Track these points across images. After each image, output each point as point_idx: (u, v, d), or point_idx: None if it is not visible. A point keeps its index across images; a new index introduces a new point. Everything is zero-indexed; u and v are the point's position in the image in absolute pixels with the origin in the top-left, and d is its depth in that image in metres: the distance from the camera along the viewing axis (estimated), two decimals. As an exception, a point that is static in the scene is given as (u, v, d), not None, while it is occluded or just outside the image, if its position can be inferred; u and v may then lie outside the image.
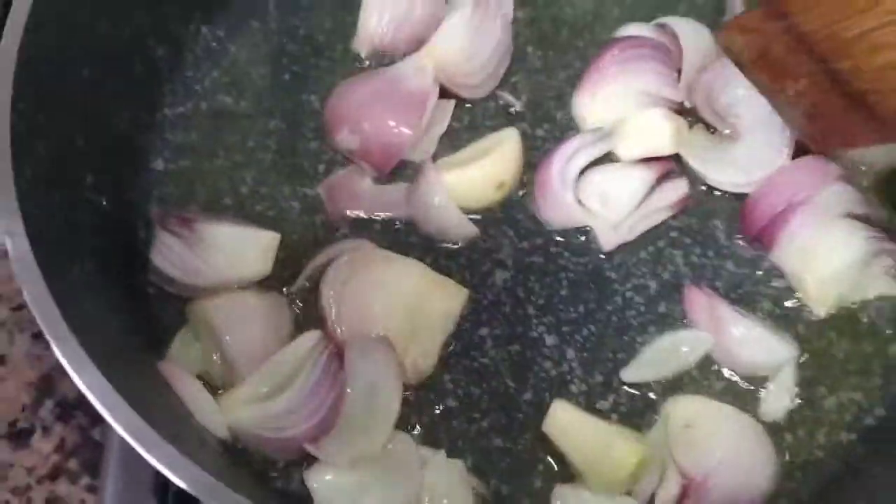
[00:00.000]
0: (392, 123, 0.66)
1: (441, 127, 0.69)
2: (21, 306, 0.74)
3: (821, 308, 0.62)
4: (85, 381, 0.47)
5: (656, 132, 0.66)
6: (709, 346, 0.60)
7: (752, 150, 0.65)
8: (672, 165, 0.66)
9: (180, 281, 0.61)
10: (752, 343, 0.59)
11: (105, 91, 0.61)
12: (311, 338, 0.58)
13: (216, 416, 0.56)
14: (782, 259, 0.63)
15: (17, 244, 0.47)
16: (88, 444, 0.69)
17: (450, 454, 0.58)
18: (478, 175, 0.65)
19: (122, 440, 0.61)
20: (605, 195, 0.64)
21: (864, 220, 0.62)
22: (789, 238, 0.62)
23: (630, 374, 0.61)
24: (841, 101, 0.58)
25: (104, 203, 0.60)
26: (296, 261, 0.64)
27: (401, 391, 0.57)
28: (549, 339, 0.62)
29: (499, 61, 0.71)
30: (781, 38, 0.60)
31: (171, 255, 0.61)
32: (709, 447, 0.56)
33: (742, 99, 0.65)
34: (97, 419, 0.68)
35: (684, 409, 0.58)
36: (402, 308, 0.60)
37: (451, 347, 0.62)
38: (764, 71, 0.63)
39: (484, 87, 0.70)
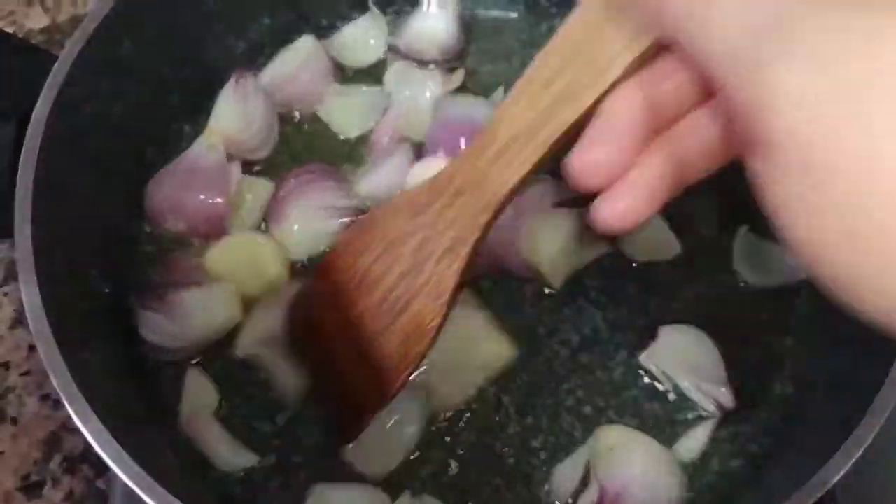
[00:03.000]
0: (203, 197, 0.75)
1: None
2: (28, 372, 0.83)
3: (556, 281, 0.74)
4: (95, 438, 0.55)
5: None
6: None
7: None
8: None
9: (169, 348, 0.71)
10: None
11: (106, 196, 0.71)
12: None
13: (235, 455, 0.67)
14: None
15: (44, 339, 0.57)
16: (94, 493, 0.77)
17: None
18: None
19: (124, 489, 0.72)
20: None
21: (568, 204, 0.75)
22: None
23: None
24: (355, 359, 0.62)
25: (107, 290, 0.70)
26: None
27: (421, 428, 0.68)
28: (489, 389, 0.72)
29: (270, 125, 0.81)
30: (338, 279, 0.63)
31: (155, 327, 0.70)
32: (626, 467, 0.67)
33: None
34: (100, 471, 0.78)
35: (611, 435, 0.69)
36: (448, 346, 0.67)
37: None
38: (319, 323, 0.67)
39: (264, 148, 0.81)
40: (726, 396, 0.71)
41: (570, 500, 0.68)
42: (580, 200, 0.69)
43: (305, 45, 0.85)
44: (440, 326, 0.59)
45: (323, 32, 0.89)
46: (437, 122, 0.81)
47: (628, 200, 0.44)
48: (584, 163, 0.44)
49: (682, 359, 0.73)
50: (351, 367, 0.63)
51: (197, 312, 0.71)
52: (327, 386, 0.68)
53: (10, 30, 1.04)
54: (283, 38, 0.87)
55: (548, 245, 0.74)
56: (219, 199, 0.75)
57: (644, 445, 0.69)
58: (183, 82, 0.80)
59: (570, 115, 0.47)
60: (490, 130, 0.52)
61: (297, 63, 0.84)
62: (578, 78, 0.46)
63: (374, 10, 0.89)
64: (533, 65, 0.49)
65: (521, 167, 0.51)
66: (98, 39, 0.67)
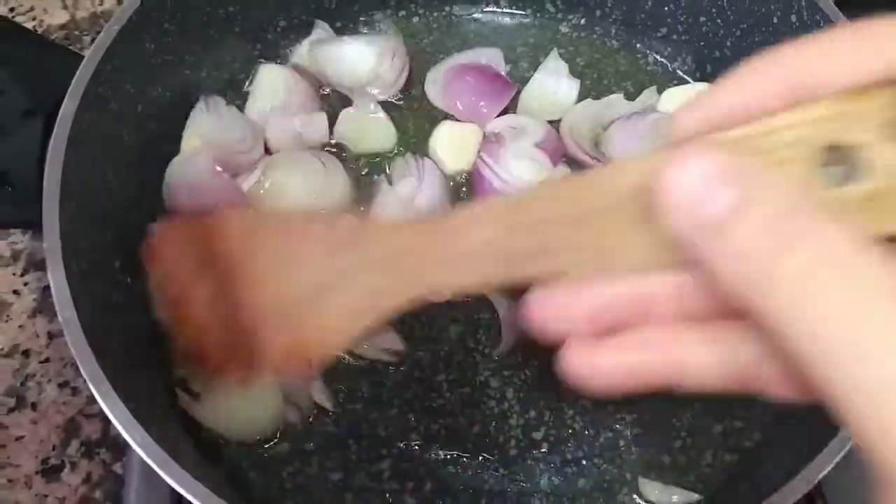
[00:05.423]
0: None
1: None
2: (48, 359, 0.86)
3: None
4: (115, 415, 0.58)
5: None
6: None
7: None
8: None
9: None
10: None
11: (126, 191, 0.73)
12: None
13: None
14: None
15: (72, 328, 0.60)
16: (111, 477, 0.80)
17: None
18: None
19: (141, 473, 0.75)
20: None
21: None
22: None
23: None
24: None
25: (129, 281, 0.72)
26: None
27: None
28: (493, 382, 0.75)
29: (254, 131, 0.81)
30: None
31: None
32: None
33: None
34: (118, 456, 0.81)
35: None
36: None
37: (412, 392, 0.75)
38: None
39: (254, 151, 0.81)
40: None
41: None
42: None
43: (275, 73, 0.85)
44: (331, 352, 0.56)
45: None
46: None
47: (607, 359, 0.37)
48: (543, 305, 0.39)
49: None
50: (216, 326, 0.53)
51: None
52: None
53: (29, 25, 1.07)
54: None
55: None
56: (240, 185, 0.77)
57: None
58: (202, 80, 0.83)
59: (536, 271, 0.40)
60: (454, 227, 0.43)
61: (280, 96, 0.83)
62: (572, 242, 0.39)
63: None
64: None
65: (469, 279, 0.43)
66: (122, 39, 0.70)
